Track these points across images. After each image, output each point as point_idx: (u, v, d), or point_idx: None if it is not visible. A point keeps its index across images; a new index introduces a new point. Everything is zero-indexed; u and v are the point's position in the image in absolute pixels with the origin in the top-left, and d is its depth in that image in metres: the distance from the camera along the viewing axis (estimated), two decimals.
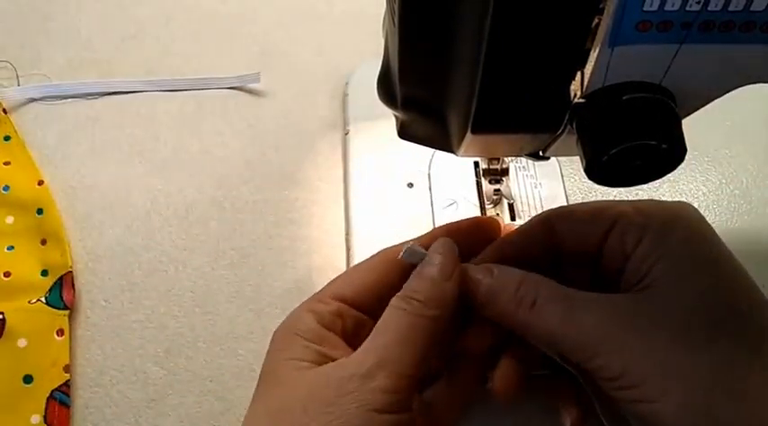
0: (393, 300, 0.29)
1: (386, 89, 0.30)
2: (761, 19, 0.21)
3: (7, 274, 0.41)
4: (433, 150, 0.43)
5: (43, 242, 0.42)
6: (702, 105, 0.25)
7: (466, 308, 0.31)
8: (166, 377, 0.39)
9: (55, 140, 0.47)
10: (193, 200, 0.45)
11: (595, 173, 0.25)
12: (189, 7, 0.54)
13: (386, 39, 0.29)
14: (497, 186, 0.41)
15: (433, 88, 0.28)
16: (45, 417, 0.37)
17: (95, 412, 0.38)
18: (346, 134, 0.47)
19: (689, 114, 0.26)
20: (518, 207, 0.42)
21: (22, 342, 0.39)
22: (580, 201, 0.43)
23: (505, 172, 0.41)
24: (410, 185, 0.44)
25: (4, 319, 0.39)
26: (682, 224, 0.29)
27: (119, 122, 0.48)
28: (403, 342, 0.27)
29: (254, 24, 0.54)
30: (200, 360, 0.40)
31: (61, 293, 0.41)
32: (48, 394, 0.38)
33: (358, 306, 0.31)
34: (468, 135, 0.27)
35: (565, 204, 0.42)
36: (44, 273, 0.41)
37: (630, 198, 0.43)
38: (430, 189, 0.43)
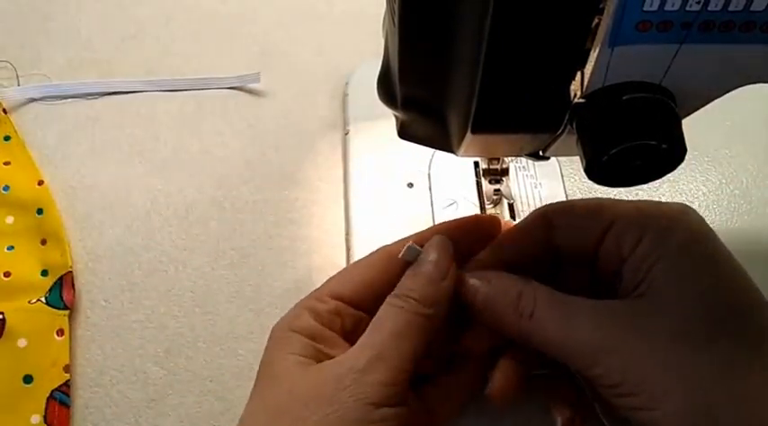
0: (389, 298, 0.29)
1: (386, 89, 0.30)
2: (761, 19, 0.21)
3: (7, 274, 0.41)
4: (433, 150, 0.43)
5: (43, 242, 0.42)
6: (702, 105, 0.25)
7: (462, 307, 0.31)
8: (166, 377, 0.39)
9: (55, 140, 0.47)
10: (193, 200, 0.45)
11: (595, 173, 0.25)
12: (189, 7, 0.54)
13: (386, 39, 0.29)
14: (497, 186, 0.41)
15: (433, 88, 0.28)
16: (45, 417, 0.37)
17: (95, 412, 0.38)
18: (346, 134, 0.47)
19: (689, 114, 0.26)
20: (518, 207, 0.42)
21: (22, 342, 0.39)
22: None
23: (505, 172, 0.41)
24: (410, 185, 0.44)
25: (4, 319, 0.39)
26: (681, 225, 0.29)
27: (119, 122, 0.48)
28: (399, 338, 0.28)
29: (254, 24, 0.54)
30: (200, 360, 0.40)
31: (61, 293, 0.41)
32: (48, 394, 0.38)
33: (356, 304, 0.31)
34: (468, 135, 0.27)
35: None
36: (44, 273, 0.41)
37: (630, 198, 0.43)
38: (430, 189, 0.43)
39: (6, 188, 0.44)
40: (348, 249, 0.42)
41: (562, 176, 0.44)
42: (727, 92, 0.25)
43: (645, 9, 0.21)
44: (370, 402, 0.26)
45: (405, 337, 0.28)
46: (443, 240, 0.31)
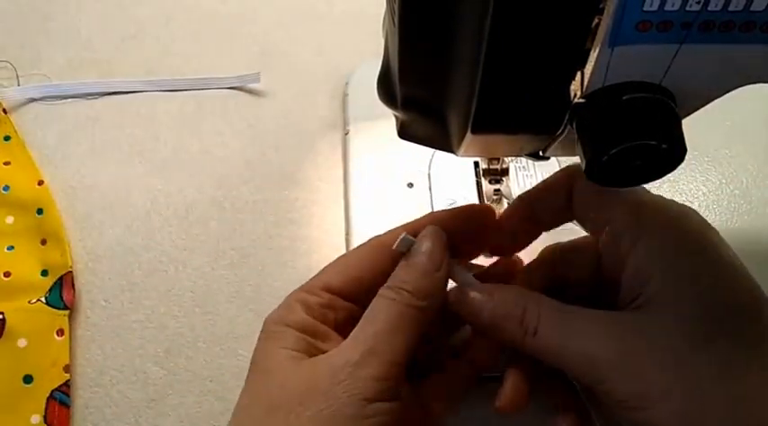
0: (382, 290, 0.29)
1: (386, 89, 0.30)
2: (761, 19, 0.21)
3: (7, 274, 0.41)
4: (433, 150, 0.43)
5: (43, 242, 0.42)
6: (702, 105, 0.25)
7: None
8: (166, 377, 0.39)
9: (55, 140, 0.47)
10: (193, 200, 0.45)
11: (595, 172, 0.25)
12: (189, 7, 0.54)
13: (386, 39, 0.29)
14: (497, 186, 0.41)
15: (433, 88, 0.28)
16: (45, 417, 0.37)
17: (95, 412, 0.38)
18: (346, 134, 0.47)
19: (689, 114, 0.26)
20: None
21: (22, 342, 0.39)
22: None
23: (505, 172, 0.41)
24: (410, 185, 0.44)
25: (4, 319, 0.39)
26: (681, 226, 0.29)
27: (119, 122, 0.48)
28: (392, 331, 0.27)
29: (254, 24, 0.54)
30: (200, 360, 0.40)
31: (61, 293, 0.41)
32: (48, 394, 0.38)
33: (348, 295, 0.31)
34: (468, 135, 0.27)
35: None
36: (44, 273, 0.41)
37: None
38: (430, 189, 0.43)
39: (6, 188, 0.44)
40: (348, 249, 0.42)
41: None
42: (727, 92, 0.25)
43: (645, 9, 0.21)
44: (364, 397, 0.26)
45: (398, 330, 0.27)
46: (437, 230, 0.30)
